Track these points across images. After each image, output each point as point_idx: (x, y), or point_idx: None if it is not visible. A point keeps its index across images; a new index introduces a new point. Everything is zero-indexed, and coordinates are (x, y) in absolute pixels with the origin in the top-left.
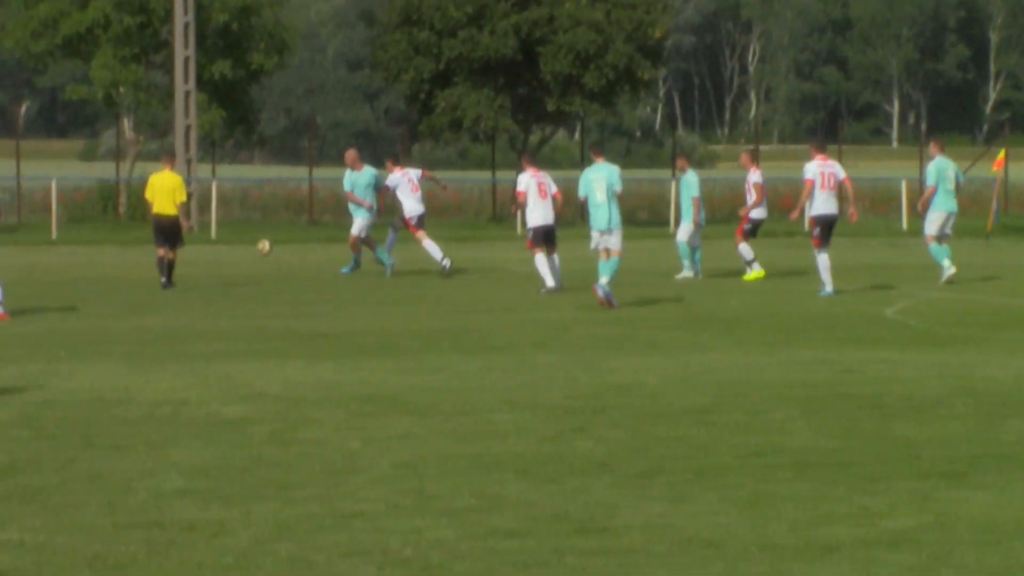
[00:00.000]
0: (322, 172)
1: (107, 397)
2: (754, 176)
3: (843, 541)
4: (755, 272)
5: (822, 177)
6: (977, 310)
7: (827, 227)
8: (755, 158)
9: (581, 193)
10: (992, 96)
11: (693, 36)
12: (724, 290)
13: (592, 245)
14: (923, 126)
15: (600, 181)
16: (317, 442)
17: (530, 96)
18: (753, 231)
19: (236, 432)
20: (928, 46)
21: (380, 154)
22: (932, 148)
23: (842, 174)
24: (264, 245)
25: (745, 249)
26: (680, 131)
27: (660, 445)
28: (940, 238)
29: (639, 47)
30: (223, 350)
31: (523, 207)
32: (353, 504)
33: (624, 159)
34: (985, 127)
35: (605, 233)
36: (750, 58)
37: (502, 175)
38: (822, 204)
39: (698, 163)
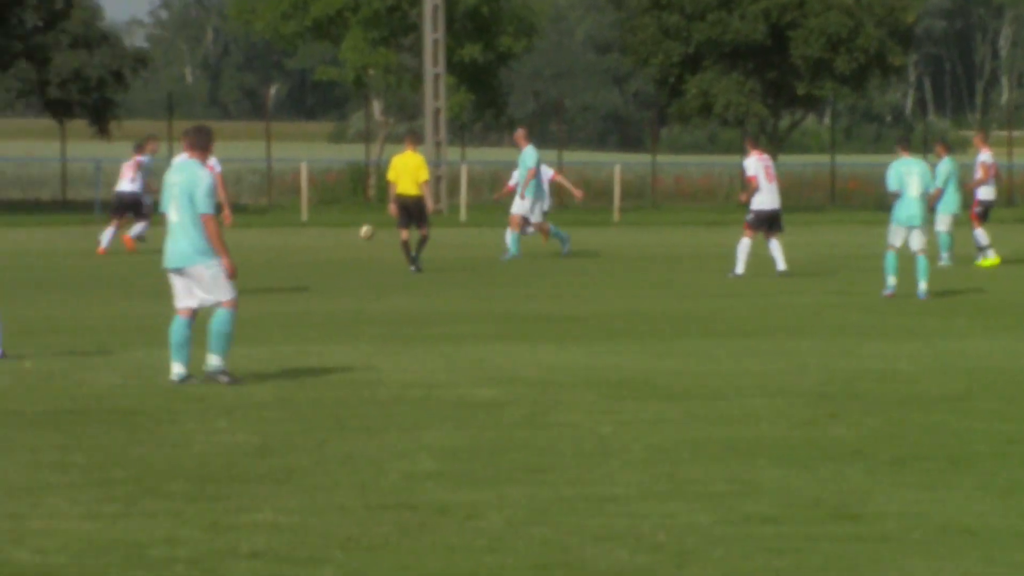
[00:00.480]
0: (571, 155)
1: (359, 379)
2: (984, 156)
3: None
4: (989, 259)
5: None
6: None
7: None
8: (986, 139)
9: (893, 186)
10: None
11: (944, 21)
12: (972, 276)
13: (890, 240)
14: None
15: (913, 176)
16: (569, 425)
17: (780, 80)
18: (984, 214)
19: (488, 415)
20: None
21: (629, 138)
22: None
23: None
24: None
25: (980, 235)
26: (931, 116)
27: (915, 432)
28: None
29: (890, 31)
30: (473, 332)
31: (755, 192)
32: (606, 488)
33: (874, 144)
34: None
35: (913, 229)
36: (1002, 43)
37: None
38: None
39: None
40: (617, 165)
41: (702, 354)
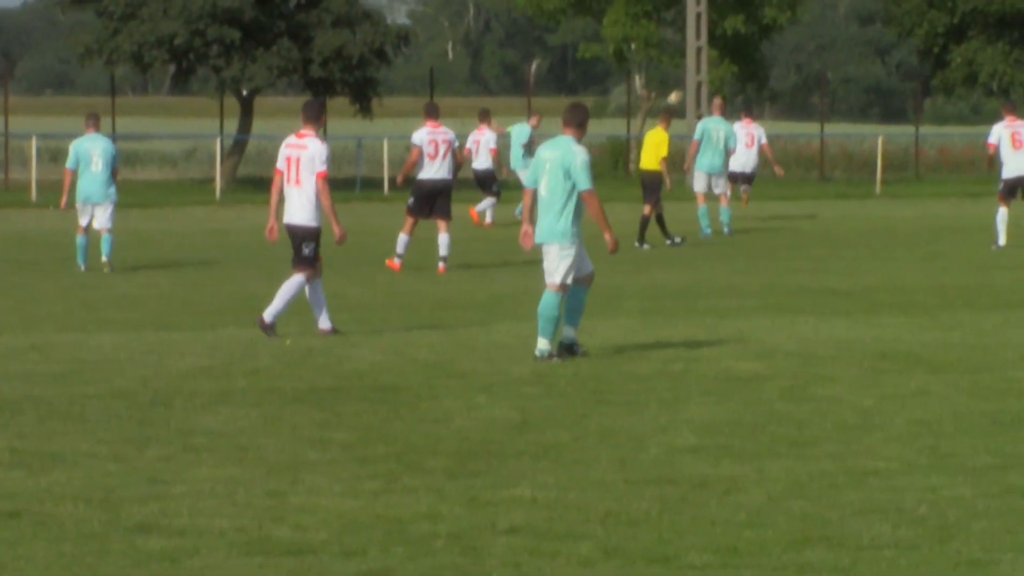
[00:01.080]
0: (833, 128)
1: (620, 353)
2: None
3: None
4: None
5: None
6: None
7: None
8: None
9: None
10: None
11: None
12: None
13: None
14: None
15: None
16: (831, 399)
17: None
18: None
19: (749, 389)
20: None
21: (891, 110)
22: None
23: None
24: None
25: None
26: None
27: None
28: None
29: None
30: (735, 306)
31: (994, 160)
32: (868, 462)
33: None
34: None
35: None
36: None
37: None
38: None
39: None
40: (880, 137)
41: (966, 326)
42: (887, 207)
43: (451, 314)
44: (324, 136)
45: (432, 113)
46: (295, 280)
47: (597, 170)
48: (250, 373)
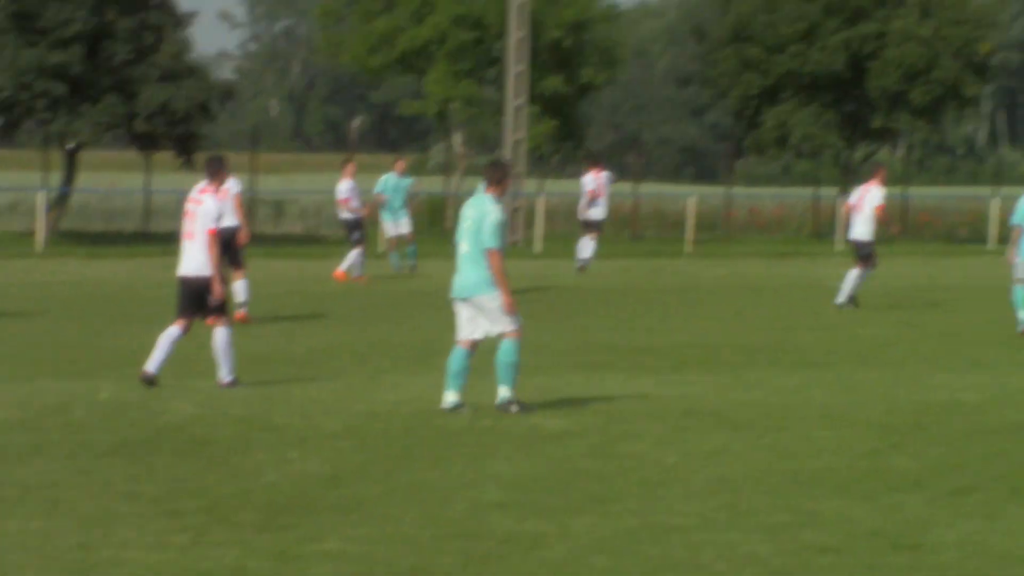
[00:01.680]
0: (647, 187)
1: (430, 408)
2: None
3: None
4: None
5: None
6: None
7: None
8: None
9: (1017, 220)
10: None
11: (1021, 53)
12: None
13: (1017, 274)
14: None
15: None
16: (635, 456)
17: (856, 112)
18: None
19: (556, 445)
20: None
21: (705, 170)
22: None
23: None
24: None
25: None
26: (1004, 148)
27: (977, 462)
28: None
29: (966, 63)
30: (545, 363)
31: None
32: (668, 518)
33: (946, 176)
34: None
35: None
36: None
37: (824, 191)
38: None
39: (1018, 181)
40: (691, 197)
41: (768, 385)
42: (697, 266)
43: (267, 368)
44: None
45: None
46: (222, 334)
47: (415, 225)
48: (64, 426)
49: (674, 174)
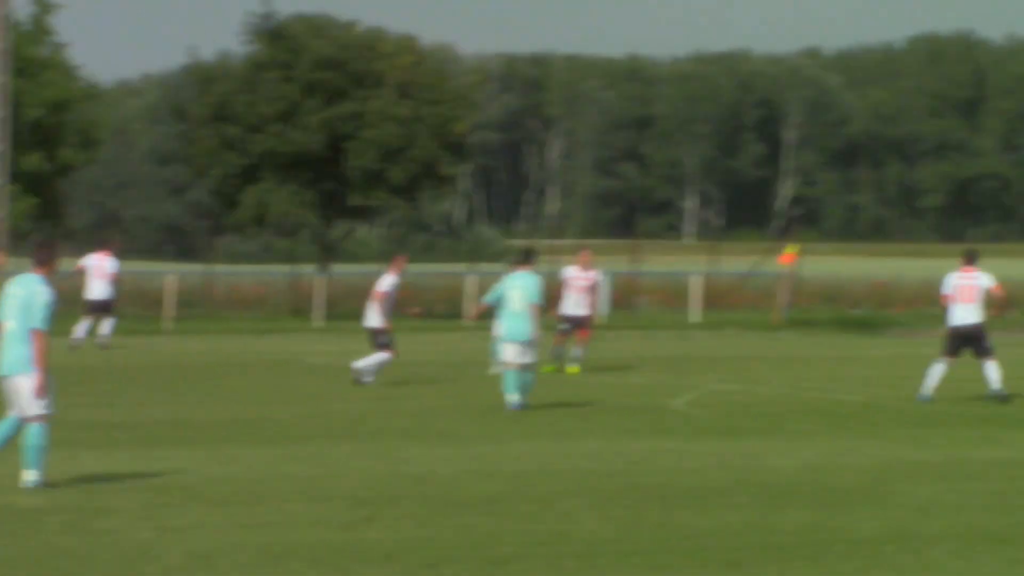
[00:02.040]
0: (128, 265)
1: None
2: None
3: None
4: (572, 368)
5: None
6: (762, 401)
7: None
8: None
9: (491, 299)
10: (785, 193)
11: (498, 133)
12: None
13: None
14: (717, 221)
15: (516, 290)
16: (111, 532)
17: (335, 190)
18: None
19: (29, 522)
20: (726, 144)
21: (186, 247)
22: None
23: None
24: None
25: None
26: (481, 225)
27: (449, 534)
28: None
29: (443, 143)
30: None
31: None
32: None
33: (424, 254)
34: (778, 222)
35: (523, 344)
36: (551, 154)
37: (303, 268)
38: None
39: (494, 258)
40: (170, 274)
41: (244, 459)
42: (177, 343)
43: None
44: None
45: None
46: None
47: None
48: None
49: (155, 252)
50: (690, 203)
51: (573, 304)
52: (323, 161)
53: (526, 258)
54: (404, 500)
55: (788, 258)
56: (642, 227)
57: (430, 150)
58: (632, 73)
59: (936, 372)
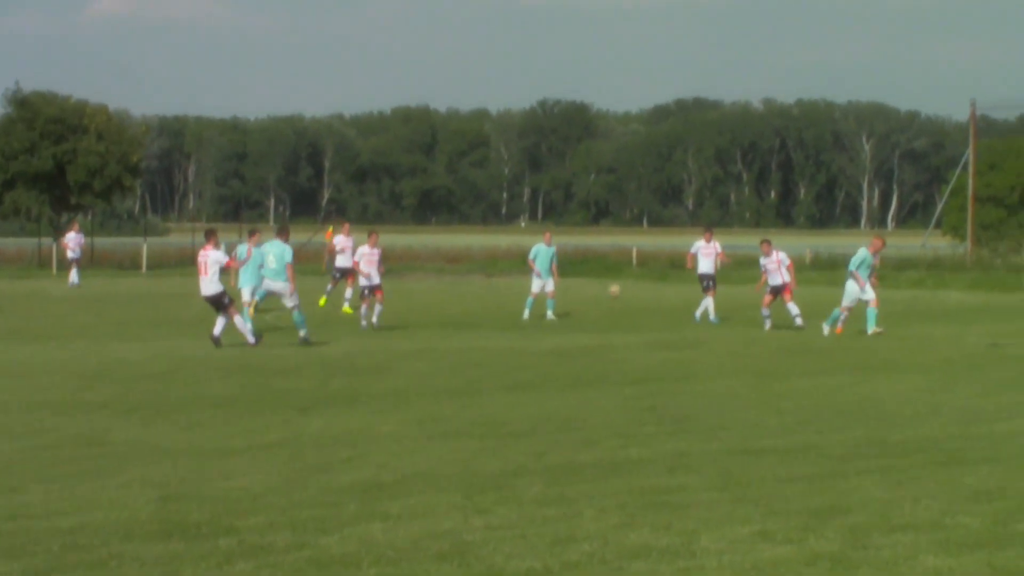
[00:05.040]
0: None
1: None
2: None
3: None
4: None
5: None
6: None
7: None
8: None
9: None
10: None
11: (156, 160)
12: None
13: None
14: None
15: (272, 255)
16: None
17: (62, 195)
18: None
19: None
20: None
21: None
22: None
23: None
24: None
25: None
26: (150, 215)
27: None
28: None
29: (125, 167)
30: None
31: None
32: None
33: (116, 232)
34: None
35: (282, 292)
36: (191, 173)
37: (45, 239)
38: None
39: (162, 233)
40: None
41: None
42: None
43: None
44: None
45: None
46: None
47: None
48: None
49: None
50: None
51: (369, 278)
52: (54, 177)
53: (280, 232)
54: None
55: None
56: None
57: (117, 171)
58: (232, 127)
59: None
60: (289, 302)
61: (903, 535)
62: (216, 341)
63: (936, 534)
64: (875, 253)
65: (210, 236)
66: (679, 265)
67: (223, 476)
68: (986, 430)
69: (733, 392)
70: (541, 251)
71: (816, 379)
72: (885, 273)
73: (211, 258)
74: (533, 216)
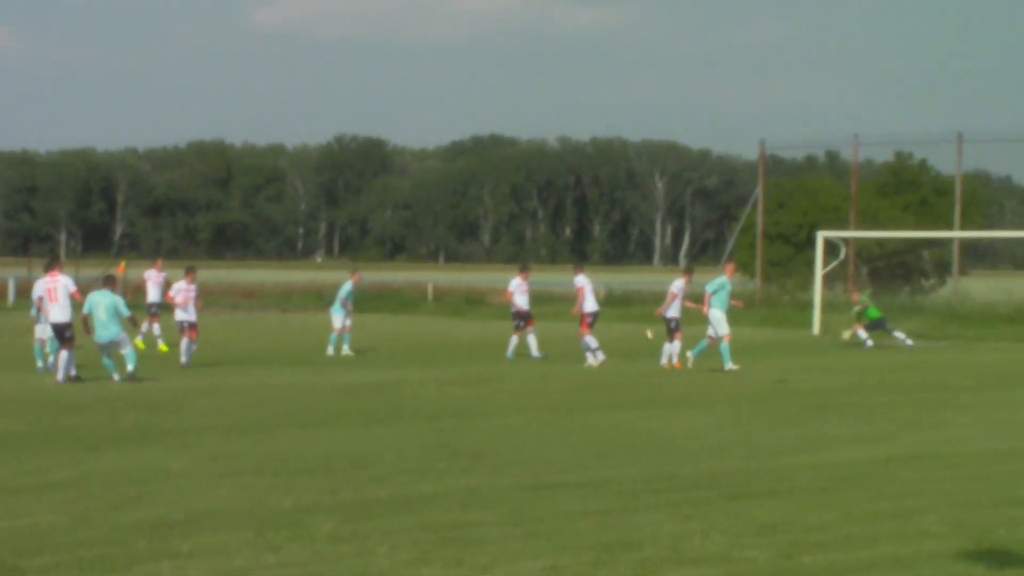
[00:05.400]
0: None
1: None
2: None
3: None
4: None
5: None
6: None
7: None
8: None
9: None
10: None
11: None
12: None
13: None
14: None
15: (101, 306)
16: None
17: None
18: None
19: None
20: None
21: None
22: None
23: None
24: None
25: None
26: None
27: None
28: None
29: None
30: None
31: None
32: None
33: None
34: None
35: (111, 342)
36: None
37: None
38: None
39: None
40: None
41: None
42: None
43: None
44: None
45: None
46: None
47: None
48: None
49: None
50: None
51: (186, 311)
52: None
53: (106, 282)
54: None
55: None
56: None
57: None
58: (21, 160)
59: None
60: (124, 349)
61: (692, 568)
62: (72, 379)
63: (724, 567)
64: (730, 278)
65: (55, 264)
66: (475, 301)
67: (9, 515)
68: (773, 464)
69: (527, 427)
70: (351, 289)
71: (609, 414)
72: None
73: (62, 283)
74: (329, 251)
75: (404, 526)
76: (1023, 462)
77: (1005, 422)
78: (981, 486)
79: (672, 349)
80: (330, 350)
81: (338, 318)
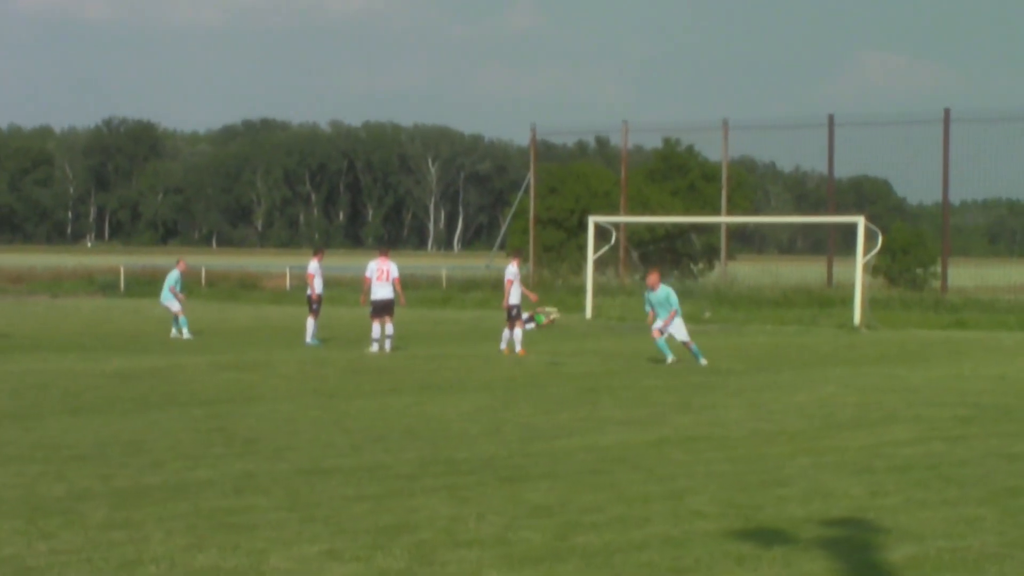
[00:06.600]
0: None
1: None
2: None
3: None
4: None
5: None
6: None
7: None
8: None
9: None
10: None
11: None
12: None
13: None
14: None
15: None
16: None
17: None
18: None
19: None
20: None
21: None
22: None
23: None
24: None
25: None
26: None
27: None
28: None
29: None
30: None
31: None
32: None
33: None
34: None
35: None
36: None
37: None
38: None
39: None
40: None
41: None
42: None
43: None
44: None
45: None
46: None
47: None
48: None
49: None
50: None
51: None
52: None
53: None
54: None
55: None
56: None
57: None
58: None
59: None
60: None
61: (468, 551)
62: None
63: (499, 549)
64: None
65: None
66: (249, 285)
67: None
68: (546, 447)
69: (301, 412)
70: (178, 276)
71: (383, 399)
72: (452, 295)
73: None
74: (100, 236)
75: (179, 512)
76: (790, 444)
77: (772, 404)
78: (750, 467)
79: (515, 336)
80: (178, 332)
81: (174, 304)
